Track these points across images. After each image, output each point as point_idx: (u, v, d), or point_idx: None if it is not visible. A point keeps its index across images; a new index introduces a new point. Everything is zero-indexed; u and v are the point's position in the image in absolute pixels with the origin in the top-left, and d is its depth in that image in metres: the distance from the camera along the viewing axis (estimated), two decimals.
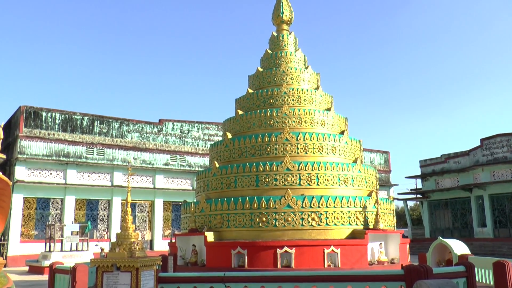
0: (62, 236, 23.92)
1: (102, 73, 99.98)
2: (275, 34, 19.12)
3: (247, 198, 13.91)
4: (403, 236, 15.41)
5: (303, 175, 14.33)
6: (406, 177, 40.60)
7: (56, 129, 29.54)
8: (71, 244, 24.26)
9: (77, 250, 24.10)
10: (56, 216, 28.88)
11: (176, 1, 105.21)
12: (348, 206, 13.90)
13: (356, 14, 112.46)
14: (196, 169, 34.35)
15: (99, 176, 30.80)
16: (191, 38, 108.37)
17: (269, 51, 18.80)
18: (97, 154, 30.86)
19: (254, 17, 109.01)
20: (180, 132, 35.15)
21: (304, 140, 15.17)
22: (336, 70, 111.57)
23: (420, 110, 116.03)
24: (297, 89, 16.95)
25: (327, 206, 13.67)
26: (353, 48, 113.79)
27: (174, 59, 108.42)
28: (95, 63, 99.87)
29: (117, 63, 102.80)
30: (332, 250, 12.97)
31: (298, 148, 15.10)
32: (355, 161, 15.66)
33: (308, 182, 14.31)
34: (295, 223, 13.51)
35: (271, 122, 16.04)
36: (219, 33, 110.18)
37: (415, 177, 39.19)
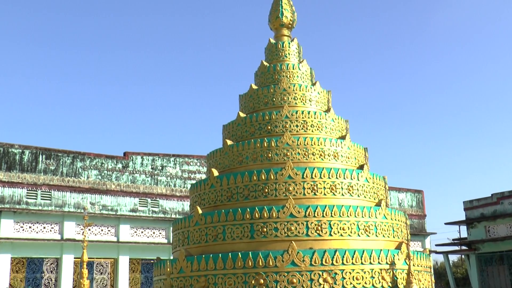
0: None
1: (49, 94, 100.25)
2: (273, 41, 19.53)
3: (239, 254, 13.94)
4: None
5: (312, 223, 14.41)
6: (446, 223, 40.61)
7: None
8: None
9: None
10: None
11: (145, 7, 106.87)
12: (370, 263, 13.95)
13: (378, 14, 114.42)
14: (173, 216, 34.33)
15: (44, 227, 30.71)
16: (164, 47, 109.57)
17: (265, 63, 19.16)
18: (42, 199, 30.85)
19: (246, 19, 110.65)
20: (152, 168, 35.28)
21: (312, 177, 15.31)
22: (353, 86, 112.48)
23: (462, 137, 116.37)
24: (302, 112, 17.20)
25: (343, 263, 13.71)
26: (375, 57, 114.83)
27: (143, 74, 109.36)
28: (39, 81, 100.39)
29: (68, 80, 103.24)
30: None
31: (304, 188, 15.22)
32: (378, 204, 15.79)
33: (318, 232, 14.38)
34: (302, 286, 13.52)
35: (270, 155, 16.21)
36: (201, 40, 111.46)
37: (458, 223, 39.27)
